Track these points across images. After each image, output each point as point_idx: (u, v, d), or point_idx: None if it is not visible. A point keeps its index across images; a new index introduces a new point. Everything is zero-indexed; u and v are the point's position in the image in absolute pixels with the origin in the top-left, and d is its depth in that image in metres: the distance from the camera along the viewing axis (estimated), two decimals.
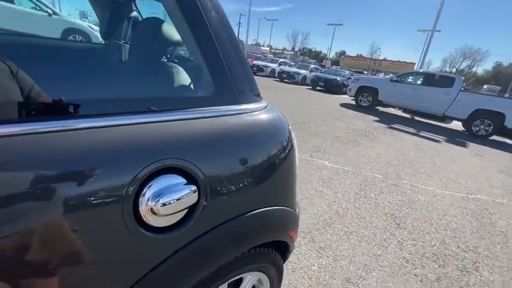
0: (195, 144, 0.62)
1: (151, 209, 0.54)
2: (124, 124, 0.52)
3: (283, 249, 1.01)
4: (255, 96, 0.85)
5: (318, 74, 15.27)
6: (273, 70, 17.34)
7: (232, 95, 0.75)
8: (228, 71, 0.74)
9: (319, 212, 2.34)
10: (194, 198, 0.60)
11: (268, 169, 0.80)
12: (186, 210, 0.60)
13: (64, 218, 0.45)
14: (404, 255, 1.95)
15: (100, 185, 0.48)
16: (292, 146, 0.92)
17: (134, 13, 1.29)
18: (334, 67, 29.13)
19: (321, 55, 76.18)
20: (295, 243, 1.06)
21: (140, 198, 0.53)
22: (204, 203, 0.62)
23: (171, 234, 0.58)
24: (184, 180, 0.59)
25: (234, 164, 0.70)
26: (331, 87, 13.62)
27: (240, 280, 0.89)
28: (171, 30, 0.86)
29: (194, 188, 0.60)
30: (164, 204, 0.55)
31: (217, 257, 0.69)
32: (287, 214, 0.91)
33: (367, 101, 9.50)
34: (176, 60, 0.95)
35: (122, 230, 0.51)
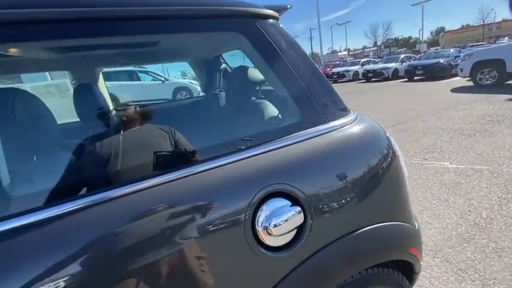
0: (292, 168, 0.68)
1: (266, 229, 0.61)
2: (231, 162, 0.64)
3: (407, 270, 0.90)
4: (341, 111, 0.85)
5: (413, 62, 13.24)
6: (356, 72, 16.25)
7: (318, 115, 0.78)
8: (309, 94, 0.78)
9: (450, 225, 1.93)
10: (300, 218, 0.64)
11: (370, 182, 0.76)
12: (295, 230, 0.65)
13: (203, 242, 0.58)
14: None
15: (225, 212, 0.59)
16: (394, 152, 0.86)
17: (223, 65, 1.55)
18: (432, 49, 24.62)
19: (411, 41, 66.04)
20: (420, 263, 0.92)
21: (256, 221, 0.62)
22: (311, 221, 0.65)
23: (285, 253, 0.64)
24: (289, 203, 0.65)
25: (332, 182, 0.71)
26: (434, 73, 11.48)
27: None
28: (255, 72, 1.00)
29: (299, 209, 0.64)
30: (275, 226, 0.62)
31: (330, 276, 0.69)
32: (403, 230, 0.82)
33: (491, 77, 7.46)
34: (263, 96, 1.08)
35: (245, 248, 0.60)
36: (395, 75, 13.92)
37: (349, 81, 16.34)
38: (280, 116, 0.94)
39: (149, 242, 0.54)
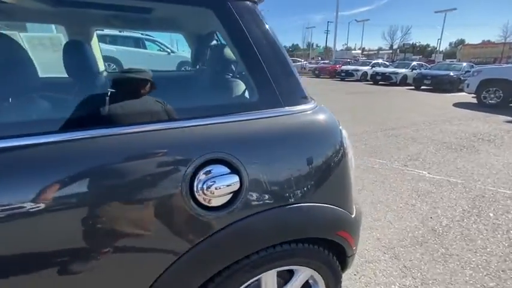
0: (237, 140, 0.75)
1: (203, 190, 0.69)
2: (178, 127, 0.71)
3: (339, 253, 1.00)
4: (301, 99, 0.91)
5: (423, 71, 13.10)
6: (365, 73, 16.07)
7: (274, 99, 0.84)
8: (271, 80, 0.84)
9: (409, 227, 2.04)
10: (236, 185, 0.72)
11: (311, 166, 0.84)
12: (231, 195, 0.73)
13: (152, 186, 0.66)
14: None
15: (167, 169, 0.67)
16: (342, 145, 0.93)
17: (214, 42, 1.59)
18: (447, 61, 24.20)
19: (428, 49, 64.63)
20: (354, 248, 1.02)
21: (196, 181, 0.69)
22: (246, 189, 0.73)
23: (219, 213, 0.72)
24: (229, 170, 0.72)
25: (275, 160, 0.79)
26: (441, 85, 11.40)
27: (292, 273, 0.95)
28: (228, 52, 1.05)
29: (236, 177, 0.72)
30: (211, 188, 0.69)
31: (257, 238, 0.78)
32: (336, 213, 0.90)
33: (496, 97, 7.44)
34: (238, 76, 1.13)
35: (182, 205, 0.68)
36: (403, 81, 13.81)
37: (357, 81, 16.19)
38: (241, 94, 1.00)
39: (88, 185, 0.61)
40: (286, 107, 0.87)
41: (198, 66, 1.52)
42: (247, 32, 0.81)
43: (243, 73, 0.90)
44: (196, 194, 0.69)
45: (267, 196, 0.78)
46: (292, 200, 0.81)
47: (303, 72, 23.38)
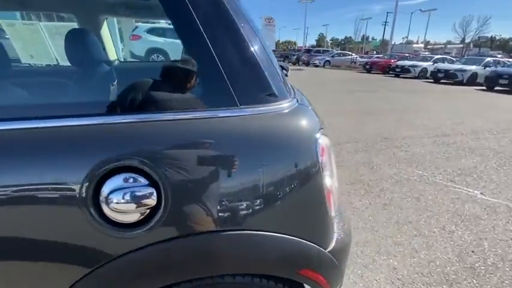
0: (161, 145, 0.60)
1: (109, 203, 0.56)
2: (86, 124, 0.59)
3: None
4: (267, 97, 0.72)
5: (498, 68, 11.07)
6: (424, 69, 14.32)
7: (226, 96, 0.67)
8: (223, 73, 0.66)
9: (439, 260, 1.66)
10: (152, 201, 0.58)
11: (264, 185, 0.65)
12: (147, 211, 0.59)
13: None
14: None
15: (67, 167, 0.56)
16: (317, 162, 0.71)
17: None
18: None
19: (511, 43, 54.50)
20: None
21: (102, 190, 0.57)
22: (166, 206, 0.59)
23: (128, 232, 0.59)
24: (146, 182, 0.59)
25: (210, 173, 0.62)
26: None
27: None
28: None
29: (153, 190, 0.58)
30: (120, 202, 0.57)
31: (181, 269, 0.63)
32: (298, 247, 0.70)
33: None
34: (178, 65, 0.96)
35: (81, 217, 0.57)
36: (471, 80, 11.89)
37: (414, 78, 14.48)
38: (178, 87, 0.84)
39: None
40: (243, 107, 0.69)
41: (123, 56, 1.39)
42: (192, 7, 0.65)
43: (186, 62, 0.74)
44: (103, 206, 0.57)
45: (195, 218, 0.62)
46: (231, 226, 0.64)
47: (352, 67, 21.85)
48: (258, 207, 0.65)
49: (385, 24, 44.41)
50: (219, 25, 0.68)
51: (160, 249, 0.61)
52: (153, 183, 0.59)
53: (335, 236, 0.83)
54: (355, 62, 22.59)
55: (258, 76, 0.72)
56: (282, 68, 1.21)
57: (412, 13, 46.04)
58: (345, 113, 5.59)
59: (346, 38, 78.95)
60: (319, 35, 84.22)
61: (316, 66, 22.64)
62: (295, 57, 26.99)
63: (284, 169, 0.67)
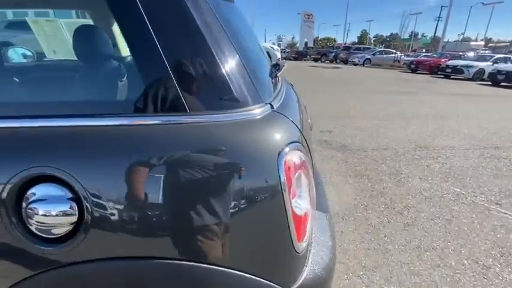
0: (85, 154, 0.53)
1: (30, 215, 0.51)
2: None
3: None
4: (226, 103, 0.60)
5: None
6: (481, 71, 12.72)
7: (174, 100, 0.57)
8: (171, 74, 0.56)
9: None
10: (74, 215, 0.51)
11: (208, 205, 0.54)
12: (68, 227, 0.52)
13: None
14: None
15: None
16: (275, 182, 0.58)
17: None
18: None
19: None
20: None
21: (24, 201, 0.52)
22: (87, 223, 0.52)
23: (51, 248, 0.53)
24: (69, 195, 0.52)
25: (142, 188, 0.53)
26: None
27: None
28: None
29: (74, 204, 0.51)
30: (40, 214, 0.51)
31: None
32: (247, 285, 0.57)
33: None
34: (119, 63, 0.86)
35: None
36: None
37: (467, 79, 12.93)
38: (114, 89, 0.74)
39: None
40: (193, 114, 0.58)
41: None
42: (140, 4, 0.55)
43: (126, 59, 0.65)
44: (23, 217, 0.52)
45: (120, 240, 0.54)
46: (161, 254, 0.54)
47: (395, 66, 20.29)
48: (198, 234, 0.54)
49: (438, 20, 40.33)
50: (168, 14, 0.58)
51: (79, 271, 0.54)
52: (76, 197, 0.52)
53: (305, 271, 0.69)
54: (398, 61, 20.95)
55: (216, 79, 0.61)
56: (278, 65, 1.07)
57: (471, 7, 41.11)
58: (375, 116, 5.16)
59: (392, 34, 73.73)
60: (361, 32, 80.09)
61: (355, 64, 21.49)
62: (332, 54, 25.96)
63: (233, 189, 0.55)
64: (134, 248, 0.53)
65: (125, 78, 0.69)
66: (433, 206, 2.22)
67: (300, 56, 29.62)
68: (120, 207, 0.52)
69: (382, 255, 1.66)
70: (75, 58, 0.90)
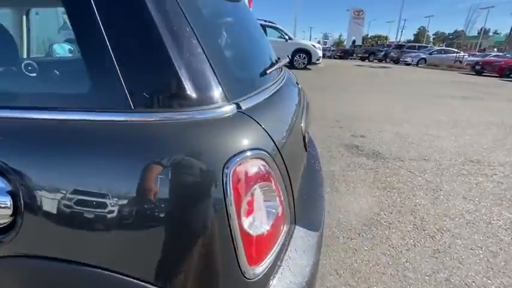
0: (19, 148, 0.51)
1: None
2: None
3: None
4: (179, 100, 0.54)
5: None
6: None
7: (117, 96, 0.52)
8: (117, 68, 0.51)
9: None
10: (8, 209, 0.50)
11: (150, 208, 0.49)
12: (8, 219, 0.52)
13: None
14: None
15: None
16: (219, 197, 0.50)
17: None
18: None
19: None
20: None
21: None
22: (21, 217, 0.50)
23: None
24: (7, 187, 0.51)
25: (75, 184, 0.50)
26: None
27: None
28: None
29: (9, 198, 0.50)
30: None
31: None
32: None
33: None
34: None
35: None
36: None
37: None
38: (59, 82, 0.70)
39: None
40: (136, 113, 0.53)
41: None
42: None
43: (77, 54, 0.61)
44: None
45: (48, 239, 0.52)
46: (83, 259, 0.50)
47: (456, 67, 18.01)
48: (123, 244, 0.49)
49: None
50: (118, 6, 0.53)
51: (7, 265, 0.53)
52: (12, 190, 0.51)
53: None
54: (460, 61, 18.56)
55: (167, 73, 0.54)
56: (277, 60, 0.97)
57: None
58: (422, 122, 4.60)
59: (455, 32, 65.83)
60: (418, 29, 73.05)
61: (408, 64, 19.68)
62: (382, 53, 24.17)
63: (165, 201, 0.49)
64: (56, 250, 0.51)
65: (64, 69, 0.66)
66: (475, 232, 1.87)
67: (345, 54, 28.27)
68: (51, 206, 0.50)
69: (399, 284, 1.44)
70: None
